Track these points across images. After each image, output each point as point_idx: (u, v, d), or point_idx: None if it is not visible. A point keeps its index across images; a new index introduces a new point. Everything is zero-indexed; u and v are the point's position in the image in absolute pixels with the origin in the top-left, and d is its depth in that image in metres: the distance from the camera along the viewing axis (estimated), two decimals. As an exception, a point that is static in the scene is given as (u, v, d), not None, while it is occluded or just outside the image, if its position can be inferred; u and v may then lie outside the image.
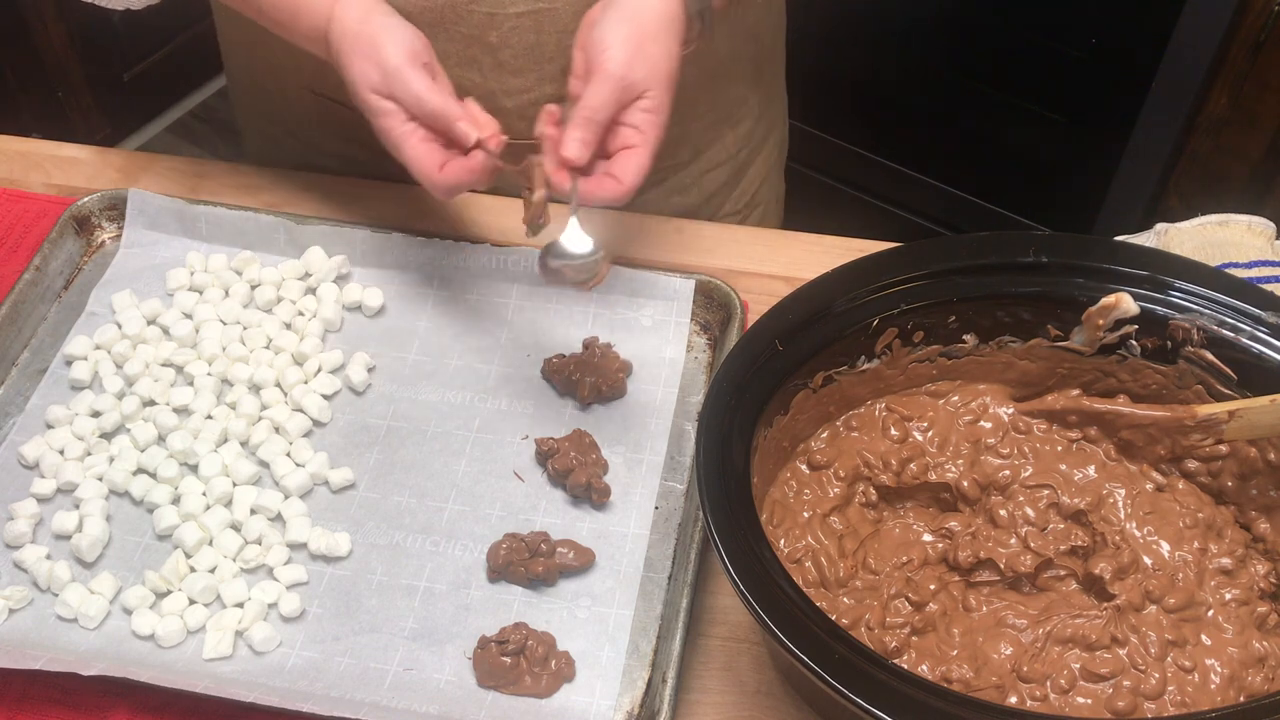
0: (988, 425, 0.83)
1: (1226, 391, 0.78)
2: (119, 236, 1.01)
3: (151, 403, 0.92)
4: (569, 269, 0.84)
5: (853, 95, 2.12)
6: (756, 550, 0.67)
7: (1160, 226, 1.02)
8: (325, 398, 0.92)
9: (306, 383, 0.93)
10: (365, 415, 0.92)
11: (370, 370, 0.94)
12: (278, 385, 0.93)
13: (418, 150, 0.84)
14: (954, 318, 0.80)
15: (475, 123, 0.85)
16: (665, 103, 0.83)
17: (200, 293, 0.99)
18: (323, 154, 1.11)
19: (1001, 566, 0.77)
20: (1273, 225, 1.01)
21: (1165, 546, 0.78)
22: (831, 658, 0.62)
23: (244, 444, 0.90)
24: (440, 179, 0.84)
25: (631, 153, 0.82)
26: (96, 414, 0.91)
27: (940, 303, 0.80)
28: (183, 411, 0.91)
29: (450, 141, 0.85)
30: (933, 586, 0.77)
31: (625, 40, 0.82)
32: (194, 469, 0.88)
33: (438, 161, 0.84)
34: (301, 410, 0.91)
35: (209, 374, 0.93)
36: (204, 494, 0.86)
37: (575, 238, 0.84)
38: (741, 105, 1.12)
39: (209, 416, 0.91)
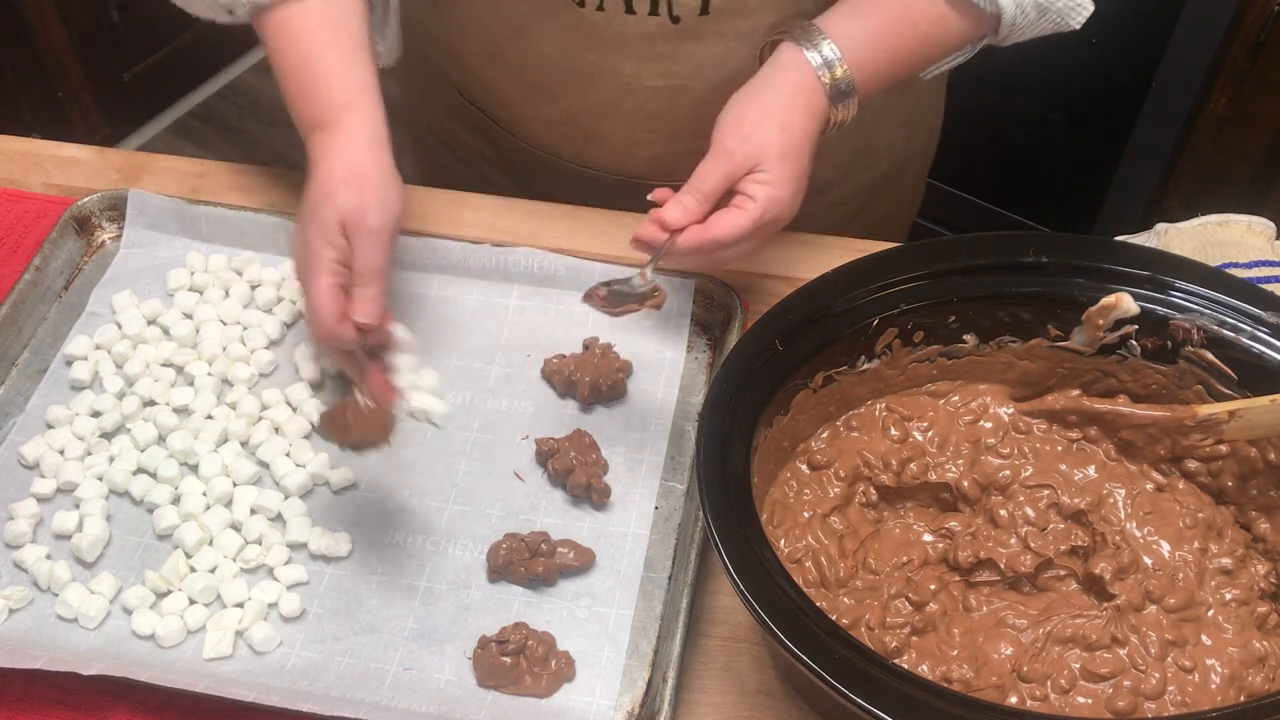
0: (988, 425, 0.83)
1: (1226, 391, 0.78)
2: (119, 236, 1.01)
3: (151, 403, 0.92)
4: (625, 294, 0.86)
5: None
6: (756, 550, 0.67)
7: (1160, 226, 1.02)
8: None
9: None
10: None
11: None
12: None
13: (333, 293, 0.80)
14: (954, 318, 0.80)
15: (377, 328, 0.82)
16: (781, 175, 0.84)
17: (200, 293, 0.99)
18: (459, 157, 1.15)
19: (1001, 566, 0.77)
20: (1273, 225, 1.01)
21: (1165, 546, 0.78)
22: (831, 658, 0.62)
23: (244, 444, 0.90)
24: (336, 329, 0.80)
25: (731, 211, 0.84)
26: (96, 414, 0.91)
27: (940, 303, 0.80)
28: (183, 411, 0.91)
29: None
30: (933, 586, 0.77)
31: (739, 119, 0.85)
32: (194, 469, 0.88)
33: (341, 311, 0.80)
34: (310, 421, 0.91)
35: (209, 374, 0.93)
36: (204, 494, 0.86)
37: (633, 275, 0.86)
38: (884, 149, 1.12)
39: (209, 416, 0.91)
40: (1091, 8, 0.89)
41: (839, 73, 0.86)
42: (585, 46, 0.96)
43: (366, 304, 0.80)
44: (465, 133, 1.13)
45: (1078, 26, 0.90)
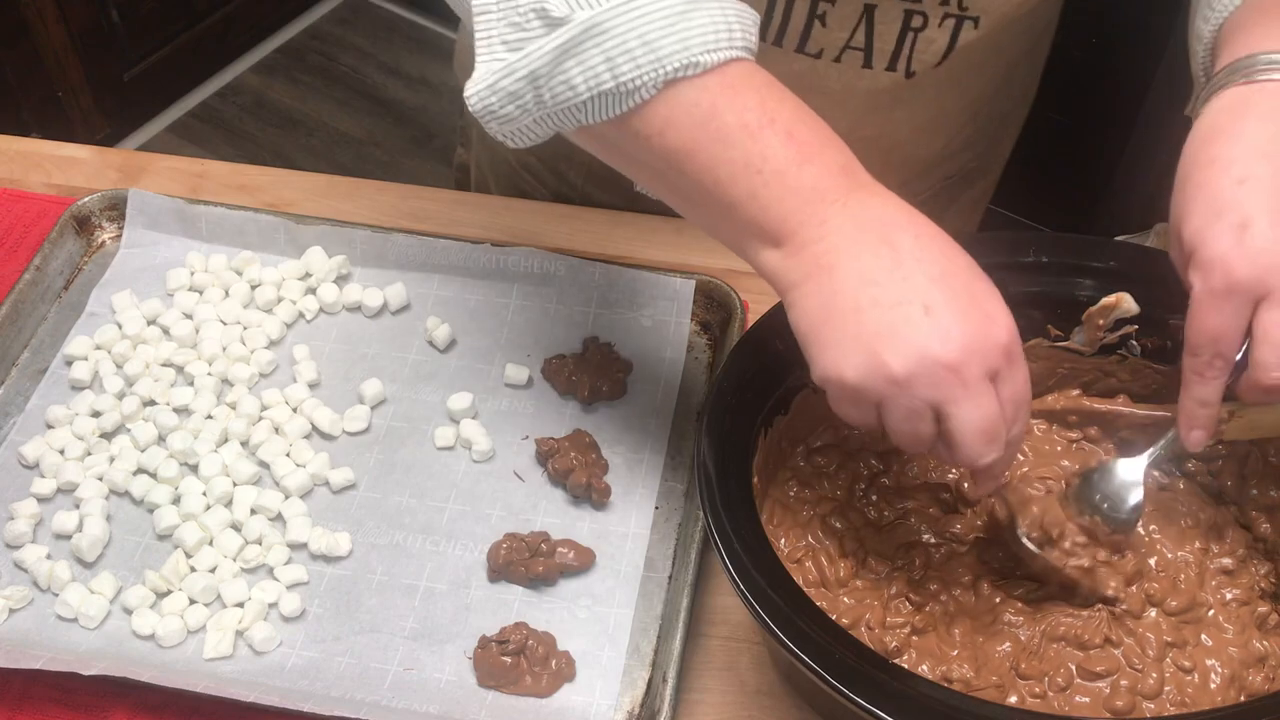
0: (988, 425, 0.83)
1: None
2: (119, 236, 1.01)
3: (151, 403, 0.92)
4: None
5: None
6: (756, 550, 0.67)
7: (1160, 226, 1.02)
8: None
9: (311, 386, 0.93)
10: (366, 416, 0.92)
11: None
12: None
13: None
14: (954, 318, 0.80)
15: None
16: None
17: (200, 293, 0.99)
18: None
19: (1001, 567, 0.77)
20: (1273, 225, 1.01)
21: (1166, 546, 0.78)
22: (831, 658, 0.62)
23: (244, 444, 0.90)
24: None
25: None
26: (96, 414, 0.91)
27: (940, 303, 0.80)
28: (183, 411, 0.91)
29: None
30: (933, 586, 0.77)
31: (1240, 225, 0.63)
32: (194, 469, 0.88)
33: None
34: (309, 420, 0.91)
35: (209, 374, 0.93)
36: (204, 494, 0.86)
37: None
38: (967, 146, 1.07)
39: (209, 416, 0.91)
40: None
41: None
42: (804, 100, 0.92)
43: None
44: (599, 191, 1.07)
45: None
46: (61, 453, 0.88)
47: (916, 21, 0.87)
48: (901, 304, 0.61)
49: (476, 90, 0.67)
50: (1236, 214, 0.64)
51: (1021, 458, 0.82)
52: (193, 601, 0.81)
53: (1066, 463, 0.81)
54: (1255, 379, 0.64)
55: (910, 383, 0.61)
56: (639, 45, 0.62)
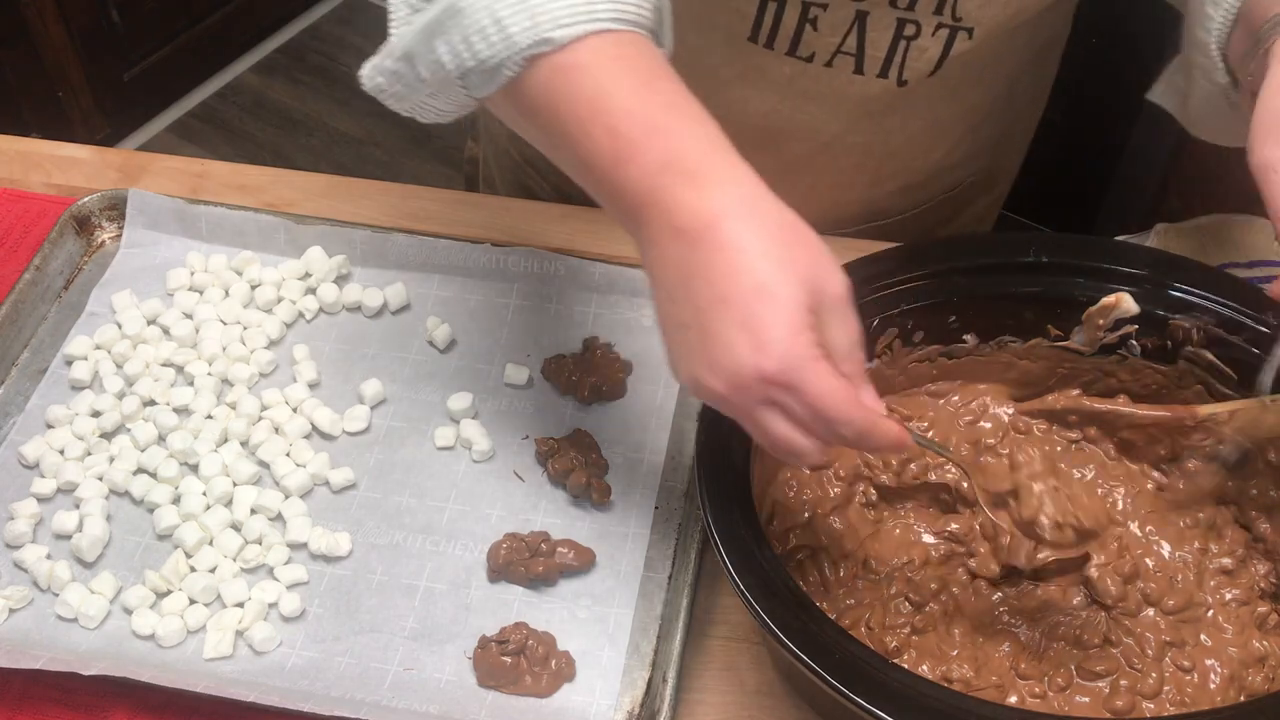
0: (988, 425, 0.83)
1: (1226, 391, 0.78)
2: (119, 236, 1.01)
3: (151, 403, 0.92)
4: None
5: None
6: (756, 550, 0.67)
7: (1160, 226, 1.02)
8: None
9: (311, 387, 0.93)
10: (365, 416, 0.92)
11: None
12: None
13: (839, 381, 0.61)
14: (954, 318, 0.80)
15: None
16: None
17: (200, 293, 0.99)
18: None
19: (1001, 567, 0.77)
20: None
21: (1166, 546, 0.78)
22: (831, 658, 0.62)
23: (244, 444, 0.90)
24: (871, 416, 0.62)
25: None
26: (96, 414, 0.91)
27: (940, 303, 0.80)
28: (183, 411, 0.91)
29: None
30: (933, 586, 0.77)
31: None
32: (194, 469, 0.88)
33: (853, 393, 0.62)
34: (309, 420, 0.91)
35: (209, 374, 0.93)
36: (204, 494, 0.86)
37: None
38: (972, 159, 1.07)
39: (209, 416, 0.91)
40: None
41: None
42: (795, 106, 0.91)
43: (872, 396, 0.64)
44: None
45: None
46: (61, 453, 0.88)
47: (909, 30, 0.87)
48: (685, 328, 0.61)
49: (366, 70, 0.69)
50: None
51: (1021, 458, 0.82)
52: (193, 601, 0.81)
53: (1063, 466, 0.81)
54: None
55: (709, 400, 0.63)
56: (491, 24, 0.62)
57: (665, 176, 0.61)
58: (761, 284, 0.59)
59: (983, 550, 0.78)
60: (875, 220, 1.03)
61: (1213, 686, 0.73)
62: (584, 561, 0.83)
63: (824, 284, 0.61)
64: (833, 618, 0.68)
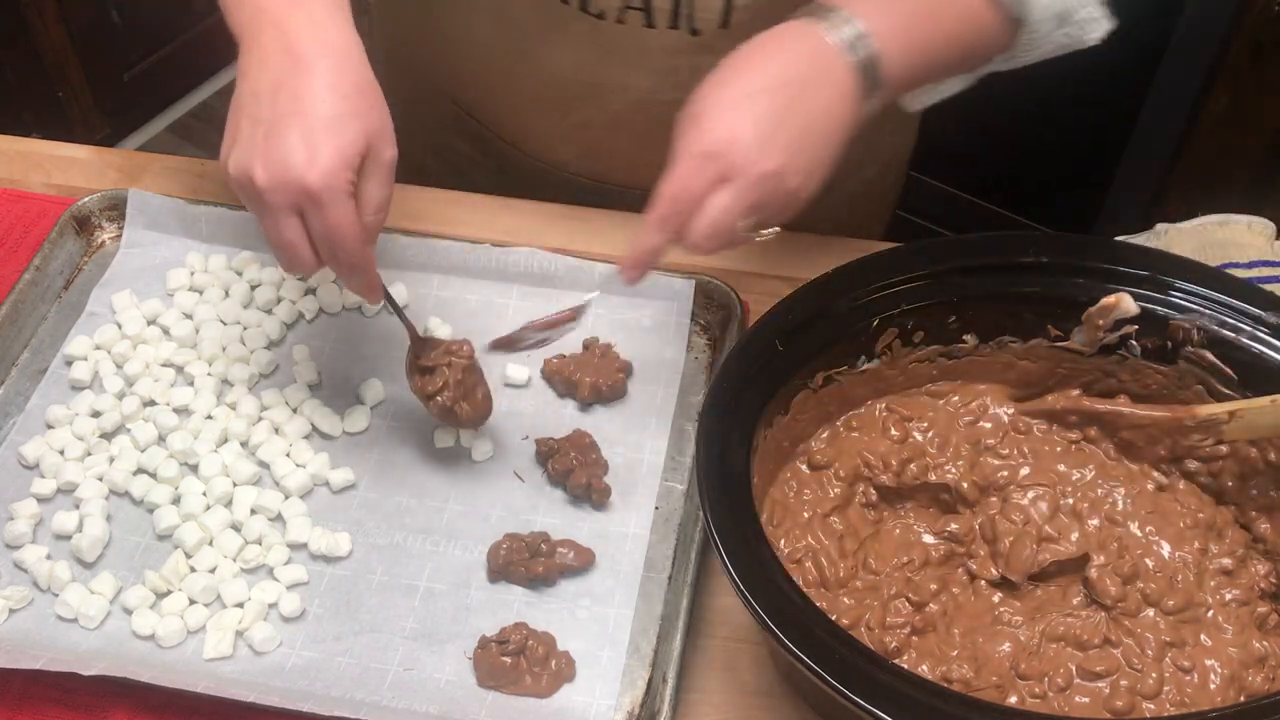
0: (988, 426, 0.83)
1: (1226, 391, 0.78)
2: (119, 236, 1.01)
3: (151, 403, 0.92)
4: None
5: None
6: (756, 550, 0.67)
7: (1160, 226, 1.02)
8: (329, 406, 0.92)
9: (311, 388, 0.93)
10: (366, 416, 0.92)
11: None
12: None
13: (357, 219, 0.75)
14: (954, 318, 0.80)
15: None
16: (714, 98, 0.76)
17: (200, 293, 0.99)
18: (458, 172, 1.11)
19: (1002, 566, 0.77)
20: (1273, 225, 1.01)
21: (1166, 547, 0.78)
22: (831, 658, 0.62)
23: (244, 444, 0.90)
24: (367, 252, 0.77)
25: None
26: (96, 414, 0.91)
27: (940, 303, 0.80)
28: (183, 411, 0.91)
29: None
30: (933, 586, 0.77)
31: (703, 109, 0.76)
32: (194, 469, 0.88)
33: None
34: (309, 420, 0.91)
35: (209, 374, 0.93)
36: (204, 494, 0.86)
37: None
38: (874, 153, 1.11)
39: (209, 416, 0.91)
40: (1112, 23, 0.86)
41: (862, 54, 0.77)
42: (599, 60, 0.95)
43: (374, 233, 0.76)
44: (459, 141, 1.12)
45: (1095, 41, 0.87)
46: (61, 453, 0.88)
47: None
48: (257, 123, 0.73)
49: None
50: (747, 110, 0.75)
51: (1022, 459, 0.82)
52: (193, 601, 0.81)
53: (1063, 466, 0.81)
54: (686, 241, 0.76)
55: (245, 191, 0.74)
56: None
57: (298, 10, 0.75)
58: (335, 116, 0.72)
59: (983, 552, 0.78)
60: None
61: (1213, 687, 0.73)
62: (584, 562, 0.83)
63: (380, 146, 0.74)
64: (833, 618, 0.68)
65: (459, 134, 1.11)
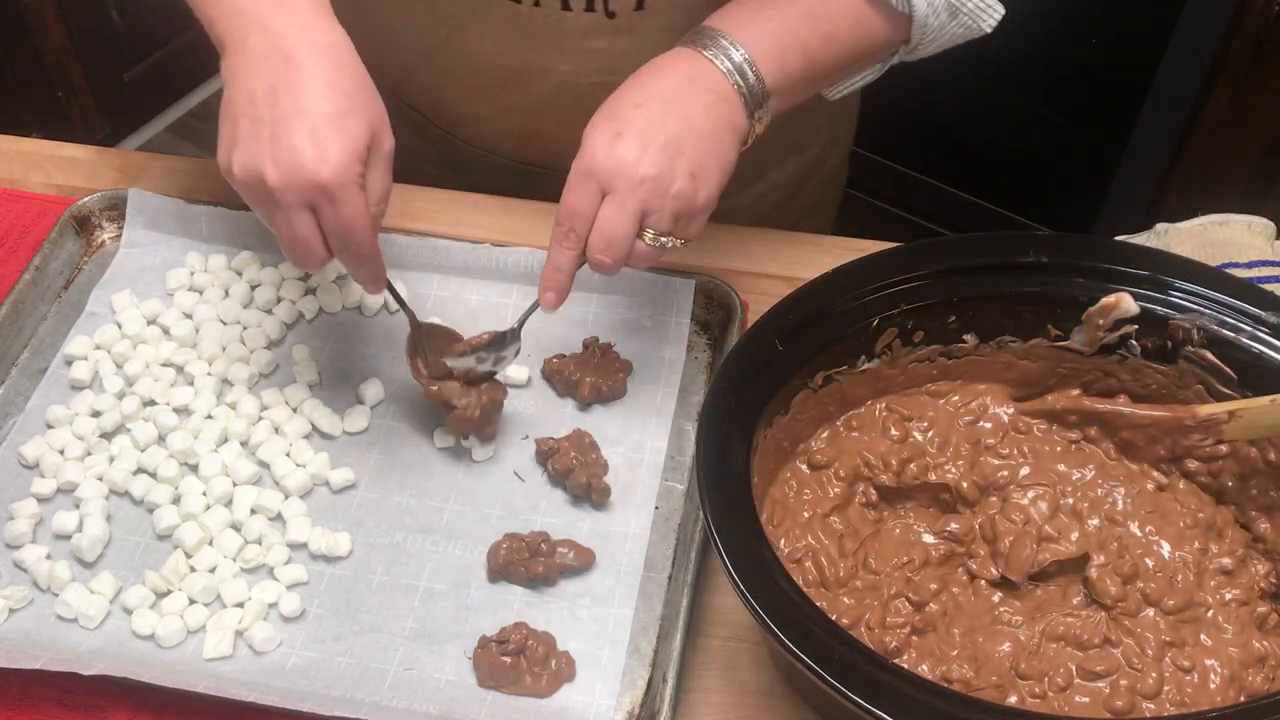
0: (988, 425, 0.83)
1: (1226, 391, 0.78)
2: (119, 236, 1.01)
3: (151, 403, 0.92)
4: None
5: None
6: (756, 550, 0.67)
7: (1160, 226, 1.02)
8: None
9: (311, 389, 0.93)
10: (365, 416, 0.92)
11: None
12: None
13: (367, 210, 0.76)
14: (954, 318, 0.80)
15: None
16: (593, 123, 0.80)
17: (200, 293, 0.99)
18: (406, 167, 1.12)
19: (1002, 566, 0.77)
20: (1273, 225, 1.01)
21: (1166, 546, 0.78)
22: (831, 658, 0.62)
23: (244, 444, 0.90)
24: (377, 251, 0.79)
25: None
26: (96, 414, 0.91)
27: (940, 303, 0.80)
28: (183, 411, 0.91)
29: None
30: (933, 586, 0.77)
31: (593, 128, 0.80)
32: (194, 469, 0.88)
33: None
34: (309, 420, 0.91)
35: (209, 374, 0.93)
36: (204, 494, 0.86)
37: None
38: (812, 134, 1.12)
39: (209, 416, 0.91)
40: (1002, 10, 0.88)
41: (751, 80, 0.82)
42: (521, 44, 0.96)
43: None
44: (402, 132, 1.11)
45: (989, 29, 0.89)
46: (61, 453, 0.88)
47: None
48: (260, 124, 0.74)
49: None
50: (619, 125, 0.79)
51: (1021, 459, 0.82)
52: (193, 601, 0.81)
53: (1063, 466, 0.81)
54: (588, 258, 0.80)
55: (254, 190, 0.74)
56: None
57: (282, 12, 0.76)
58: (338, 112, 0.74)
59: (983, 551, 0.78)
60: None
61: (1213, 686, 0.73)
62: (584, 561, 0.83)
63: (381, 137, 0.76)
64: (833, 618, 0.68)
65: (403, 126, 1.09)
